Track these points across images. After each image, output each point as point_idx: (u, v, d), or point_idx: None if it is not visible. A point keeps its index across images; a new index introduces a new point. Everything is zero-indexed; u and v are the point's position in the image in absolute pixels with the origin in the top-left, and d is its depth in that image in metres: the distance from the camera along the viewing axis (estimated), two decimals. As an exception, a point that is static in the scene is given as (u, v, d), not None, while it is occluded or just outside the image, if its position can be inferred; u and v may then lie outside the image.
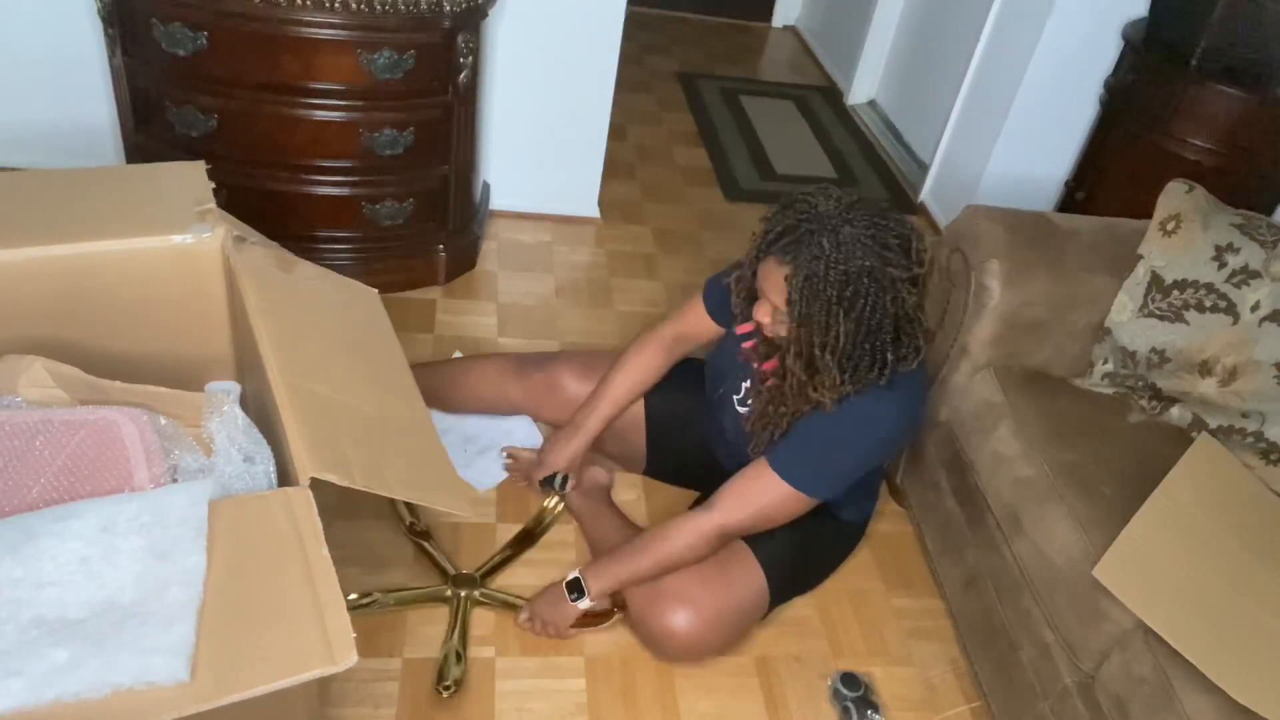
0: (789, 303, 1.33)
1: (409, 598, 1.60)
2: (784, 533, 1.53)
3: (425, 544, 1.68)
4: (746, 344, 1.50)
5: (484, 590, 1.63)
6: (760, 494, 1.47)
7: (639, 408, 1.81)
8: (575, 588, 1.54)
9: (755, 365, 1.54)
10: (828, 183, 1.40)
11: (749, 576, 1.55)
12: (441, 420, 1.88)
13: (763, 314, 1.40)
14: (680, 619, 1.50)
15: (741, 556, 1.54)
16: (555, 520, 1.79)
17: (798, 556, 1.63)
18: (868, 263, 1.29)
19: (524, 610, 1.60)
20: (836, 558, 1.77)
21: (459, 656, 1.52)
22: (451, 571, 1.65)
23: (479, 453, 1.90)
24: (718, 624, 1.52)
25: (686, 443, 1.80)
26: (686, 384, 1.77)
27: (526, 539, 1.75)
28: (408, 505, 1.74)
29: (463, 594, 1.61)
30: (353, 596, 1.56)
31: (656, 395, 1.79)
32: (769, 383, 1.50)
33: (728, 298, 1.57)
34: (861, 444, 1.47)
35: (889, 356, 1.37)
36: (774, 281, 1.35)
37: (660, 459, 1.87)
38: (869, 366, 1.37)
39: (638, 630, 1.58)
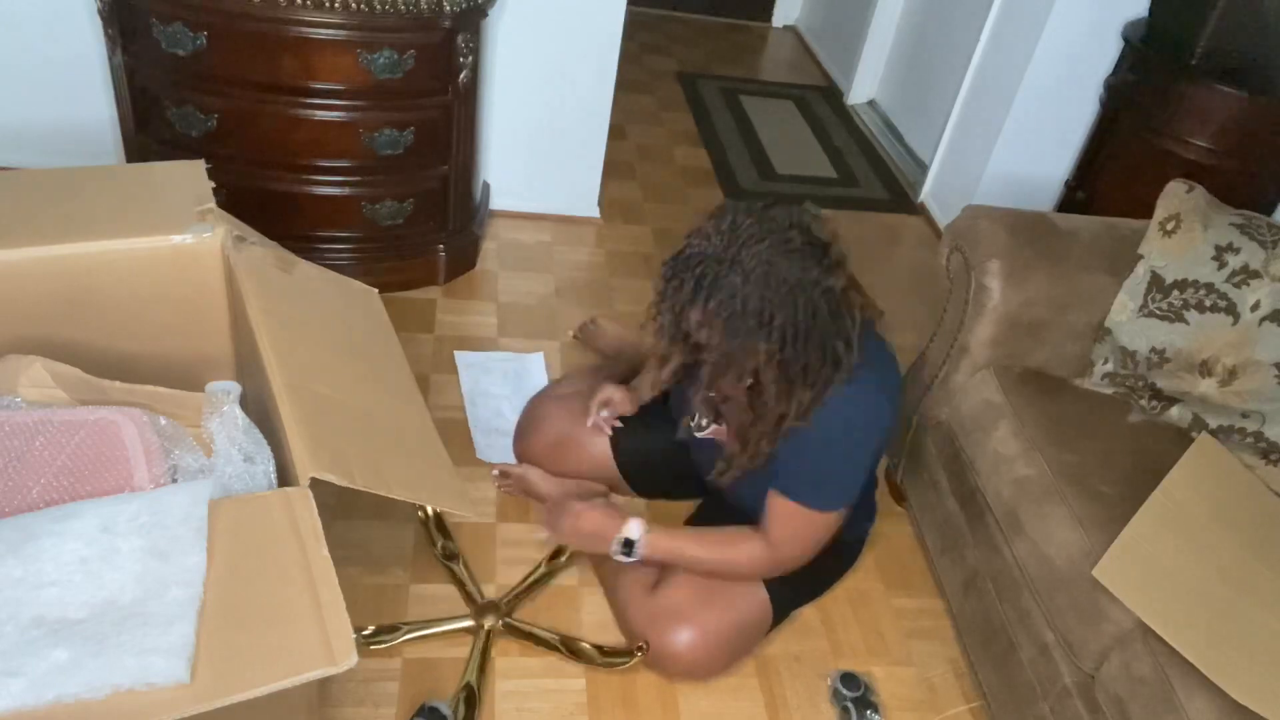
0: (708, 348, 1.27)
1: (431, 634, 1.54)
2: None
3: (454, 568, 1.65)
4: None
5: (509, 620, 1.58)
6: (798, 527, 1.43)
7: (608, 459, 1.76)
8: (628, 545, 1.48)
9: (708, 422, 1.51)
10: (806, 193, 1.35)
11: (752, 595, 1.53)
12: (464, 358, 2.15)
13: (726, 389, 1.35)
14: (682, 639, 1.49)
15: None
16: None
17: (801, 575, 1.60)
18: (788, 276, 1.21)
19: (554, 507, 1.57)
20: (838, 574, 1.76)
21: (472, 693, 1.46)
22: (479, 599, 1.60)
23: (501, 434, 1.92)
24: (721, 644, 1.51)
25: (668, 472, 1.75)
26: (650, 421, 1.74)
27: (556, 556, 1.71)
28: (439, 528, 1.71)
29: (486, 625, 1.55)
30: (370, 630, 1.51)
31: (625, 441, 1.75)
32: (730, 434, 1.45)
33: None
34: (854, 438, 1.39)
35: (838, 346, 1.28)
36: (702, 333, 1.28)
37: (647, 490, 1.84)
38: (819, 364, 1.28)
39: None
